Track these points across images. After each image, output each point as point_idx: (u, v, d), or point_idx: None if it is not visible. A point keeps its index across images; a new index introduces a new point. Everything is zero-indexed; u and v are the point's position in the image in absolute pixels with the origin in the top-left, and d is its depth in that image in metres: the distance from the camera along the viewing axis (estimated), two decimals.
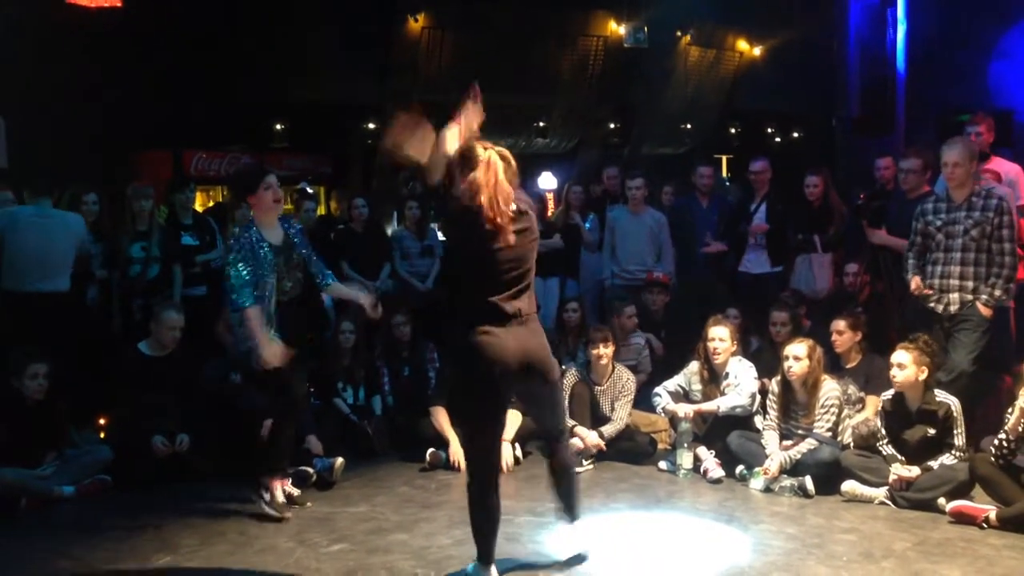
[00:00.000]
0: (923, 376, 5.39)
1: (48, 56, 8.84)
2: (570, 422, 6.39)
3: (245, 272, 4.97)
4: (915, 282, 6.05)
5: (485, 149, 4.15)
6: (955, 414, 5.35)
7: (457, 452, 6.27)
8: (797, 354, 5.82)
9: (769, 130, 15.85)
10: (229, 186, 6.07)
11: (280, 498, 5.29)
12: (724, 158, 16.30)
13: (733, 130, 15.55)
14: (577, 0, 12.37)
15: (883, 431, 5.55)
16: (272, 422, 5.45)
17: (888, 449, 5.50)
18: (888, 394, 5.59)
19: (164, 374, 6.23)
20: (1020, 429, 4.95)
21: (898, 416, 5.50)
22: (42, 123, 8.82)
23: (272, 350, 4.95)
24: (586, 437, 6.31)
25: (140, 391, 6.17)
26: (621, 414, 6.49)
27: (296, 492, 5.57)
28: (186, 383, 6.29)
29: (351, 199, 8.70)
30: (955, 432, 5.34)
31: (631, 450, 6.40)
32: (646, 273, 8.09)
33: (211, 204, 11.29)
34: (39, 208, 6.63)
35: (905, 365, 5.40)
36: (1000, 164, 6.86)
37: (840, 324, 6.33)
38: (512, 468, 6.29)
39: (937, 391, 5.45)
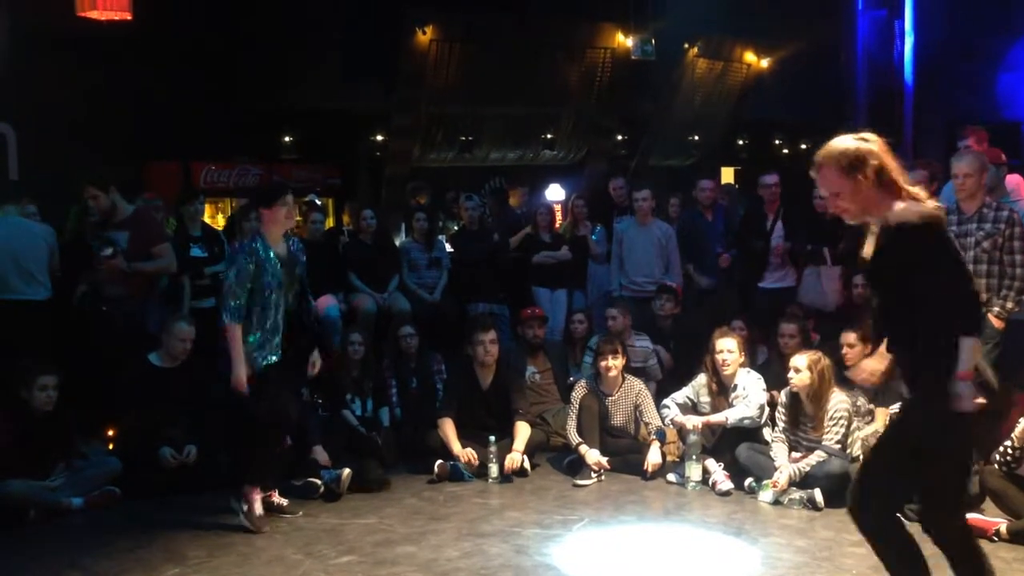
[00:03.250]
0: None
1: (58, 68, 8.89)
2: (576, 438, 6.41)
3: (239, 288, 5.06)
4: None
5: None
6: None
7: (468, 457, 6.27)
8: (797, 365, 5.81)
9: (777, 141, 15.86)
10: (249, 195, 6.13)
11: (258, 511, 5.25)
12: (732, 169, 16.30)
13: (741, 141, 15.57)
14: (585, 12, 12.40)
15: None
16: (257, 435, 5.37)
17: None
18: (897, 406, 5.55)
19: (174, 385, 6.24)
20: None
21: None
22: (52, 135, 8.87)
23: (241, 375, 5.09)
24: (586, 455, 6.30)
25: (149, 402, 6.18)
26: (652, 418, 6.48)
27: (285, 502, 5.57)
28: (195, 394, 6.30)
29: (360, 210, 8.73)
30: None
31: (639, 462, 6.39)
32: (653, 285, 8.08)
33: (223, 220, 11.24)
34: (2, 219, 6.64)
35: None
36: (1007, 179, 6.85)
37: (850, 337, 6.31)
38: (517, 469, 6.30)
39: None
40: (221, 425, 6.28)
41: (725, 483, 5.96)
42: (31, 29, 8.43)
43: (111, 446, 6.46)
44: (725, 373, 6.23)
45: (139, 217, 6.81)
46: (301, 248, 5.55)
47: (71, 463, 5.89)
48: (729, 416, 6.14)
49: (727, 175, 16.02)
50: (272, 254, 5.20)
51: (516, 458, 6.31)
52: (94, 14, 7.50)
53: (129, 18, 7.59)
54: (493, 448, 6.29)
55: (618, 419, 6.59)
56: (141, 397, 6.21)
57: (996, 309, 5.83)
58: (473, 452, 6.31)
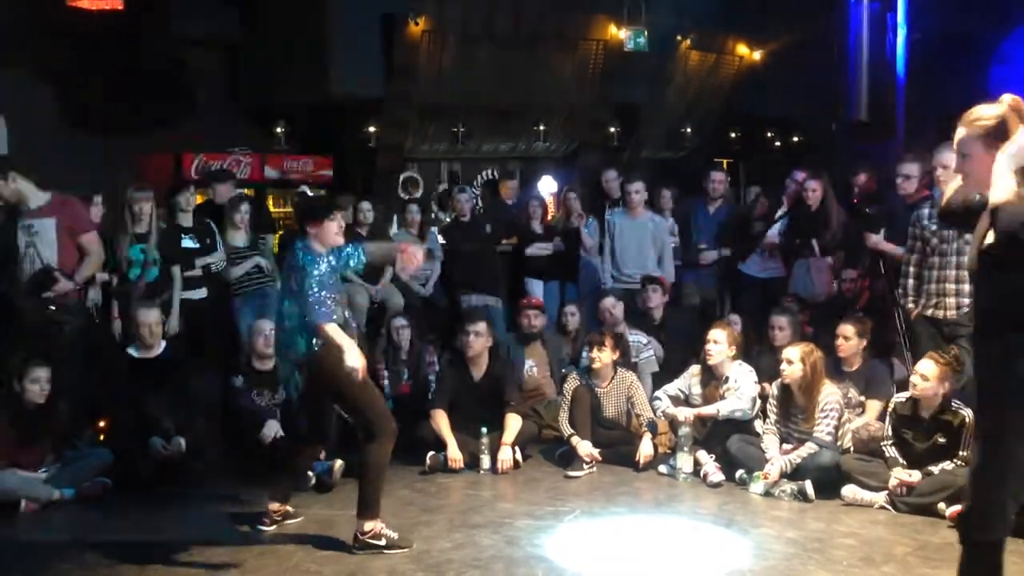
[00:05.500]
0: (942, 391, 5.37)
1: (49, 57, 8.86)
2: (568, 430, 6.42)
3: (322, 292, 4.77)
4: (914, 314, 6.11)
5: None
6: (969, 424, 5.29)
7: (455, 455, 6.28)
8: (790, 357, 5.83)
9: (769, 134, 15.86)
10: (296, 213, 5.51)
11: (393, 533, 4.85)
12: (724, 162, 16.31)
13: (733, 134, 15.56)
14: (578, 4, 12.38)
15: (889, 431, 5.54)
16: (364, 464, 4.93)
17: (891, 451, 5.48)
18: (902, 396, 5.57)
19: (154, 376, 6.25)
20: None
21: (910, 420, 5.46)
22: (43, 124, 8.84)
23: (358, 355, 4.77)
24: (578, 446, 6.32)
25: (132, 393, 6.19)
26: (644, 410, 6.52)
27: (291, 509, 5.29)
28: (181, 385, 6.29)
29: (357, 203, 8.70)
30: (964, 441, 5.30)
31: (631, 454, 6.40)
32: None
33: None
34: None
35: (928, 378, 5.34)
36: None
37: (848, 329, 6.32)
38: (510, 470, 6.31)
39: (954, 401, 5.39)
40: (213, 416, 6.30)
41: (716, 475, 5.97)
42: (23, 19, 8.39)
43: (102, 437, 6.46)
44: (709, 363, 6.25)
45: (62, 203, 6.45)
46: None
47: (62, 454, 5.89)
48: (721, 408, 6.16)
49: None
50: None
51: (507, 455, 6.32)
52: (85, 3, 7.49)
53: (120, 7, 7.57)
54: (485, 440, 6.30)
55: (610, 411, 6.61)
56: (125, 390, 6.22)
57: None
58: (460, 458, 6.31)
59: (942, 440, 5.34)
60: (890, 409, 5.62)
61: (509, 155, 13.31)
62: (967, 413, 5.30)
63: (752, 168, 14.83)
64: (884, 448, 5.53)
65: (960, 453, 5.29)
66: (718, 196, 8.56)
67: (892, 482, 5.37)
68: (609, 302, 7.38)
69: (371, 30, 11.55)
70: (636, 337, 7.34)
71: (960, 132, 3.34)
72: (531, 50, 12.18)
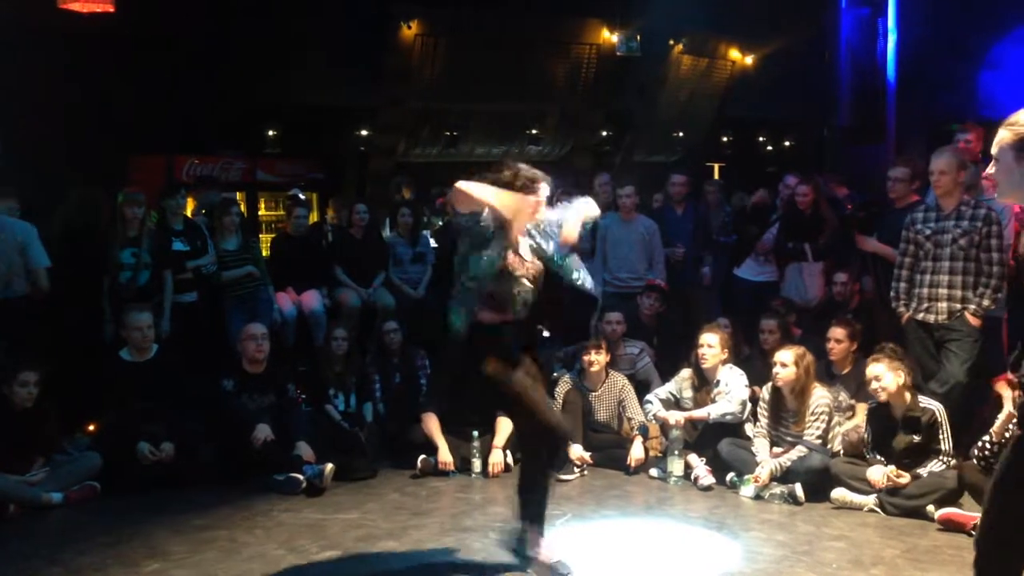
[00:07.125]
0: (901, 380, 5.41)
1: (39, 61, 8.82)
2: None
3: None
4: (905, 318, 6.13)
5: None
6: (939, 419, 5.37)
7: (446, 458, 6.28)
8: (784, 360, 5.85)
9: (761, 138, 15.88)
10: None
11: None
12: (716, 166, 16.33)
13: (725, 138, 15.58)
14: (570, 8, 12.38)
15: (868, 438, 5.57)
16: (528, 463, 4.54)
17: (874, 456, 5.52)
18: (873, 402, 5.62)
19: (146, 380, 6.23)
20: (1006, 434, 4.97)
21: (883, 423, 5.51)
22: (34, 128, 8.79)
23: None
24: (570, 450, 6.31)
25: (124, 397, 6.17)
26: (635, 414, 6.54)
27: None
28: (172, 389, 6.28)
29: (352, 205, 8.69)
30: (940, 437, 5.36)
31: (622, 457, 6.40)
32: (637, 281, 8.10)
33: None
34: None
35: (882, 376, 5.43)
36: None
37: (838, 332, 6.35)
38: (501, 473, 6.31)
39: (921, 397, 5.48)
40: (205, 419, 6.29)
41: (707, 478, 5.98)
42: (13, 21, 8.35)
43: (92, 441, 6.44)
44: (704, 367, 6.26)
45: None
46: None
47: (52, 458, 5.87)
48: (711, 411, 6.17)
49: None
50: None
51: (499, 458, 6.31)
52: (76, 6, 7.47)
53: (111, 10, 7.56)
54: (476, 444, 6.30)
55: (601, 414, 6.61)
56: (116, 393, 6.21)
57: (972, 307, 5.88)
58: (451, 460, 6.30)
59: (917, 438, 5.38)
60: (867, 412, 5.67)
61: (502, 158, 13.29)
62: (935, 408, 5.41)
63: (743, 173, 14.86)
64: (866, 454, 5.57)
65: (942, 448, 5.34)
66: (680, 199, 8.60)
67: (875, 474, 5.37)
68: (615, 316, 7.34)
69: (364, 33, 11.52)
70: (630, 348, 7.31)
71: (998, 135, 3.18)
72: (524, 54, 12.17)
